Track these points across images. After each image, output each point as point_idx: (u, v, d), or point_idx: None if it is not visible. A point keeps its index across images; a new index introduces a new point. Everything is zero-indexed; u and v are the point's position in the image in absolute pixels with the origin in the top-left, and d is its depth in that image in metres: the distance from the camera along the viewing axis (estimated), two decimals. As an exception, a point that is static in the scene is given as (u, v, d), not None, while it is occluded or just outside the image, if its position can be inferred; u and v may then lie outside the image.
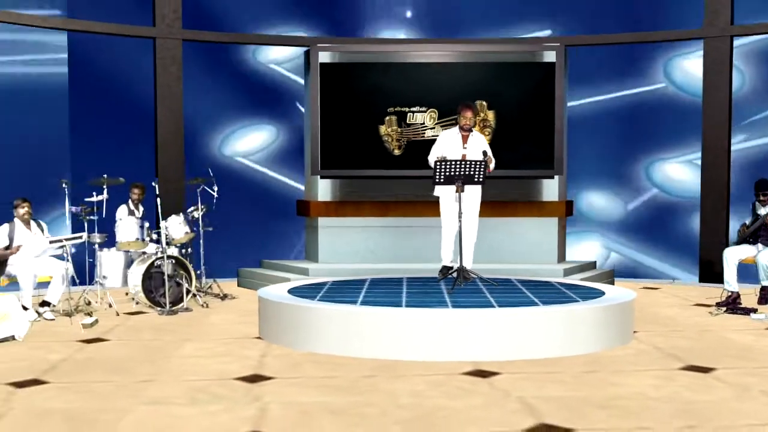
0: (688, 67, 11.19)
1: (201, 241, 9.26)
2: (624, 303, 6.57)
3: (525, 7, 11.39)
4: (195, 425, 4.38)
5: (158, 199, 8.37)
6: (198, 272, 9.13)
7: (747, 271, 8.57)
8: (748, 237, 8.28)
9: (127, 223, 8.59)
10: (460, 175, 7.30)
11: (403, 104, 9.73)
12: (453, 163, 7.38)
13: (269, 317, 6.76)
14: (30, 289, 7.70)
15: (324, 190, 10.06)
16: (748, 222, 8.38)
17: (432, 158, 7.84)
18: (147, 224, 8.74)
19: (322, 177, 9.94)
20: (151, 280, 8.23)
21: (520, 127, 9.77)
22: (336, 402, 4.81)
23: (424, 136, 9.72)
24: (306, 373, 5.58)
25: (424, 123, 9.75)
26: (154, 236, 8.67)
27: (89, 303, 8.35)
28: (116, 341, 6.78)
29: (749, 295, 8.39)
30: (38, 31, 10.19)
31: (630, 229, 11.56)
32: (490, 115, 9.74)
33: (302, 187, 10.86)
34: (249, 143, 11.58)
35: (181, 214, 8.89)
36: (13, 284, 7.84)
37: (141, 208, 9.32)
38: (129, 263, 9.02)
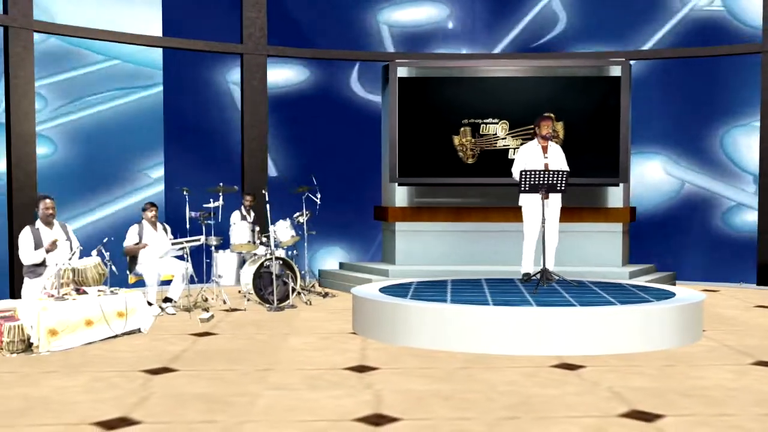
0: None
1: (305, 243, 10.01)
2: (695, 303, 7.05)
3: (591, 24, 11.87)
4: (321, 407, 4.94)
5: (267, 206, 9.10)
6: (302, 272, 9.86)
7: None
8: None
9: (240, 227, 9.35)
10: (544, 183, 7.88)
11: (476, 116, 10.30)
12: (537, 172, 7.95)
13: (365, 314, 7.35)
14: (154, 287, 8.51)
15: (401, 196, 10.68)
16: None
17: (515, 170, 8.43)
18: (257, 228, 9.50)
19: (399, 184, 10.55)
20: (261, 279, 8.95)
21: (586, 137, 10.26)
22: (441, 389, 5.36)
23: (495, 146, 10.29)
24: (406, 365, 6.14)
25: (496, 134, 10.31)
26: (264, 239, 9.40)
27: (206, 300, 9.13)
28: (224, 335, 7.42)
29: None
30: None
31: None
32: (559, 127, 10.25)
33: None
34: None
35: (287, 219, 9.61)
36: (140, 282, 8.62)
37: (252, 214, 10.08)
38: (241, 263, 9.82)
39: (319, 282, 10.71)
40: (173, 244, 8.65)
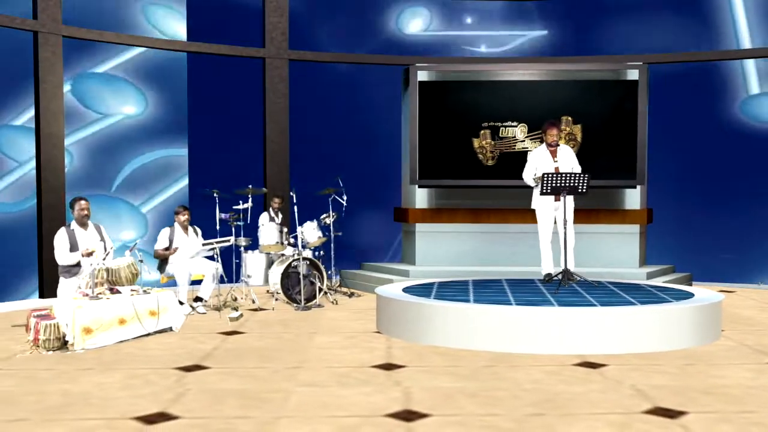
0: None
1: (332, 244, 10.21)
2: (713, 303, 7.18)
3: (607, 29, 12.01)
4: (353, 404, 5.09)
5: (295, 207, 9.29)
6: (329, 272, 10.04)
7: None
8: None
9: (269, 229, 9.55)
10: (565, 186, 8.04)
11: (496, 119, 10.46)
12: (558, 175, 8.10)
13: (390, 313, 7.51)
14: (185, 286, 8.71)
15: (421, 198, 10.85)
16: None
17: (527, 174, 8.65)
18: (285, 229, 9.70)
19: (420, 186, 10.71)
20: (289, 279, 9.14)
21: (604, 140, 10.39)
22: (468, 386, 5.51)
23: (515, 149, 10.44)
24: (432, 363, 6.30)
25: (515, 136, 10.46)
26: (292, 240, 9.58)
27: (235, 299, 9.34)
28: (252, 334, 7.60)
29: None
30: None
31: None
32: (576, 130, 10.39)
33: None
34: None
35: (315, 220, 9.80)
36: (171, 282, 8.83)
37: (280, 215, 10.28)
38: (270, 264, 10.01)
39: (341, 282, 10.88)
40: (203, 244, 8.85)
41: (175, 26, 11.43)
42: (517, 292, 7.85)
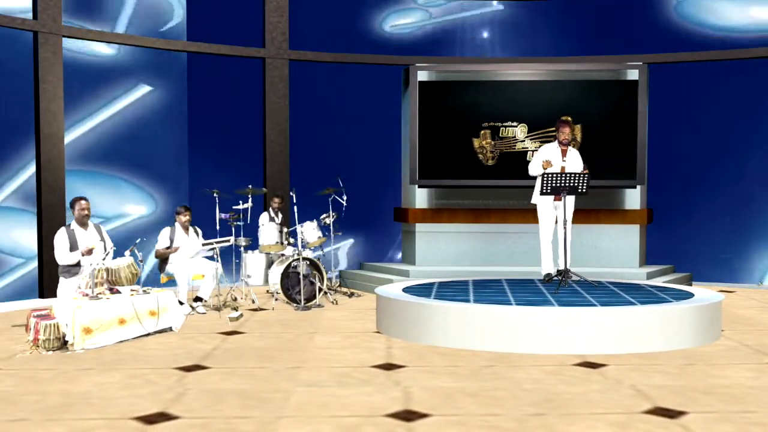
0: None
1: (332, 244, 10.21)
2: (714, 303, 7.18)
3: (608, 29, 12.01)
4: (353, 404, 5.09)
5: (295, 207, 9.30)
6: (328, 272, 10.05)
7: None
8: None
9: (269, 229, 9.55)
10: (565, 186, 8.05)
11: (496, 119, 10.47)
12: (558, 175, 8.11)
13: (390, 313, 7.51)
14: (185, 286, 8.72)
15: (421, 198, 10.86)
16: None
17: (533, 167, 8.63)
18: (285, 229, 9.70)
19: (420, 186, 10.72)
20: (288, 279, 9.14)
21: (604, 140, 10.40)
22: (469, 386, 5.52)
23: (515, 149, 10.45)
24: (432, 363, 6.30)
25: (515, 136, 10.47)
26: (292, 240, 9.59)
27: (235, 299, 9.35)
28: (252, 334, 7.60)
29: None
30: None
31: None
32: (577, 129, 10.39)
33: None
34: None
35: (314, 220, 9.80)
36: (171, 282, 8.83)
37: (280, 215, 10.29)
38: (270, 264, 10.02)
39: (340, 282, 10.87)
40: (203, 245, 8.85)
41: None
42: (517, 292, 7.85)
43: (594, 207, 10.41)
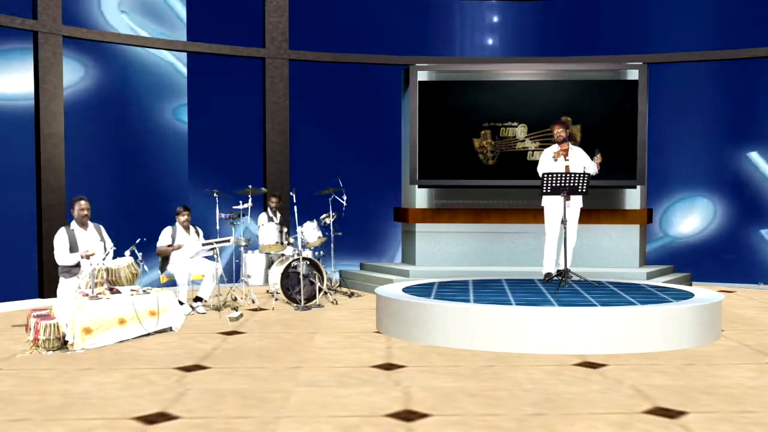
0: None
1: (332, 244, 10.23)
2: (714, 303, 7.18)
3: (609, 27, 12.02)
4: (353, 403, 5.09)
5: (295, 207, 9.30)
6: (329, 272, 10.05)
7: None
8: None
9: (268, 229, 9.54)
10: (565, 186, 8.05)
11: (497, 119, 10.47)
12: (558, 175, 8.12)
13: (390, 313, 7.51)
14: (185, 286, 8.72)
15: (421, 198, 10.86)
16: None
17: (539, 172, 8.65)
18: (285, 229, 9.71)
19: (420, 186, 10.72)
20: (288, 279, 9.15)
21: (604, 140, 10.36)
22: (469, 386, 5.52)
23: (515, 149, 10.45)
24: (432, 363, 6.30)
25: (515, 136, 10.47)
26: (291, 240, 9.59)
27: (235, 299, 9.35)
28: (252, 334, 7.60)
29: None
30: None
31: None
32: (576, 130, 10.39)
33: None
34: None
35: (314, 220, 9.80)
36: (171, 282, 8.83)
37: (278, 215, 10.29)
38: (270, 264, 10.02)
39: (341, 282, 10.87)
40: (203, 245, 8.86)
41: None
42: (517, 292, 7.85)
43: (594, 207, 10.39)
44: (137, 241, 7.86)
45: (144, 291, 7.50)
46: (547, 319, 6.65)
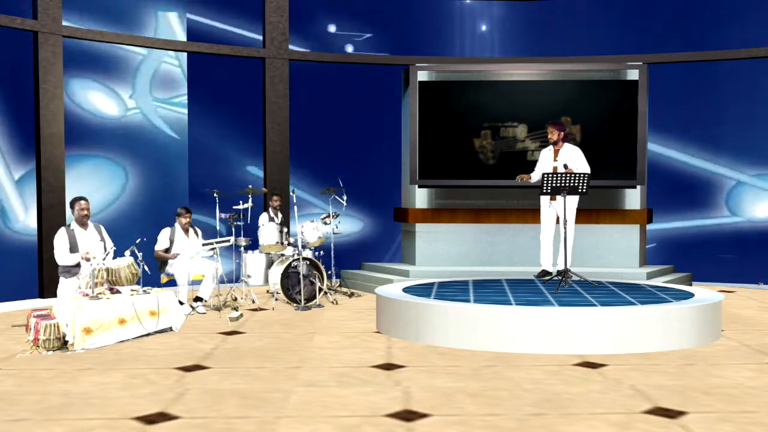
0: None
1: (332, 244, 10.22)
2: (714, 303, 7.18)
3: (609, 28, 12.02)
4: (353, 403, 5.09)
5: (295, 207, 9.31)
6: (329, 272, 10.06)
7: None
8: None
9: (269, 229, 9.55)
10: (565, 186, 8.08)
11: (497, 119, 10.47)
12: (557, 175, 8.14)
13: (390, 313, 7.51)
14: (185, 286, 8.71)
15: (421, 198, 10.86)
16: None
17: (535, 173, 8.80)
18: (285, 229, 9.71)
19: (420, 186, 10.72)
20: (289, 279, 9.15)
21: (603, 140, 10.39)
22: (469, 386, 5.52)
23: (515, 148, 10.46)
24: (432, 363, 6.30)
25: (515, 136, 10.47)
26: (292, 240, 9.60)
27: (235, 299, 9.35)
28: (252, 334, 7.60)
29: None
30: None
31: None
32: (575, 130, 10.39)
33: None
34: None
35: (315, 220, 9.80)
36: (171, 282, 8.83)
37: (279, 215, 10.29)
38: (270, 264, 10.02)
39: (341, 282, 10.88)
40: (203, 245, 8.86)
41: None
42: (517, 292, 7.85)
43: (594, 207, 10.41)
44: (137, 241, 7.86)
45: (144, 291, 7.50)
46: (547, 319, 6.65)
